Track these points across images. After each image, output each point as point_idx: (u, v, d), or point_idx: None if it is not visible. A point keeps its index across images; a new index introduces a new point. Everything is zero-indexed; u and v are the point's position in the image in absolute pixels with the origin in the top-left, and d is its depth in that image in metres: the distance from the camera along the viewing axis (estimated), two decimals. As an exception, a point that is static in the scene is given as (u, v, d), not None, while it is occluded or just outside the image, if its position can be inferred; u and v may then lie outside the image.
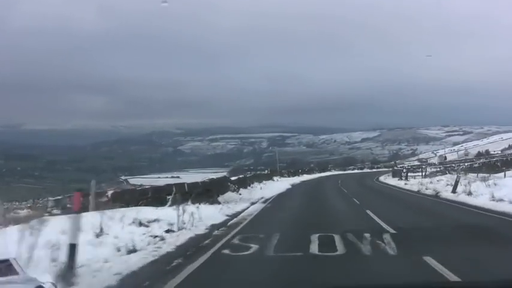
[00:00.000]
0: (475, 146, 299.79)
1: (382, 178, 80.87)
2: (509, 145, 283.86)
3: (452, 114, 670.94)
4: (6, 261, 5.08)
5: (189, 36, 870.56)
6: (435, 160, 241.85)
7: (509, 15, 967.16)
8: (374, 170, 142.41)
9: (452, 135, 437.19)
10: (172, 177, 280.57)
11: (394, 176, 77.75)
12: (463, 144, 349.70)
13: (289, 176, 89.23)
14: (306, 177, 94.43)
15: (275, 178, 75.62)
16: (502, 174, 50.45)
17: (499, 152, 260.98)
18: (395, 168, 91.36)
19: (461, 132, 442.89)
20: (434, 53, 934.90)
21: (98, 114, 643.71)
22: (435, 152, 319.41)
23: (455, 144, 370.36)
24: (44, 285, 4.54)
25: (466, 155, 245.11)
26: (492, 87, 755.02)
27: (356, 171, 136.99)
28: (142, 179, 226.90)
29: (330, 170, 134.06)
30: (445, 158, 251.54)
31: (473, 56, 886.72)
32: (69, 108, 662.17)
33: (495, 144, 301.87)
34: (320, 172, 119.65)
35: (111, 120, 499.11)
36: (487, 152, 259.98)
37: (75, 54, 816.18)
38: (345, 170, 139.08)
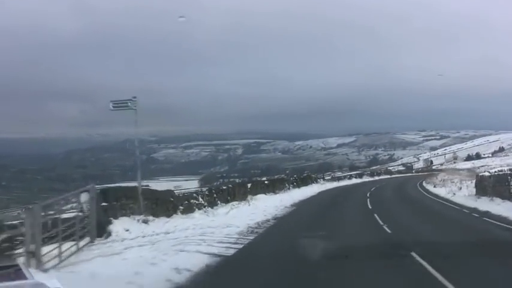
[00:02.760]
0: (459, 150, 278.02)
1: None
2: (499, 147, 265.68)
3: (429, 118, 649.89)
4: (16, 266, 4.93)
5: (164, 41, 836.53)
6: (420, 164, 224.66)
7: (492, 18, 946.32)
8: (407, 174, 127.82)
9: (430, 139, 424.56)
10: (142, 185, 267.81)
11: (479, 190, 37.69)
12: (447, 148, 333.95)
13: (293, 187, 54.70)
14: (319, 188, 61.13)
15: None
16: None
17: (490, 154, 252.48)
18: (481, 175, 40.65)
19: (438, 137, 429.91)
20: (413, 57, 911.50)
21: (72, 122, 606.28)
22: (417, 156, 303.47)
23: (432, 149, 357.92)
24: None
25: (455, 158, 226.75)
26: (468, 91, 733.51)
27: (385, 176, 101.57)
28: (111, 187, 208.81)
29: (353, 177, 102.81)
30: (431, 162, 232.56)
31: (451, 59, 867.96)
32: (42, 115, 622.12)
33: (481, 147, 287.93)
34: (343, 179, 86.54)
35: (86, 128, 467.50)
36: (478, 154, 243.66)
37: (47, 58, 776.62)
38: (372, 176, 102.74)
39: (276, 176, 64.66)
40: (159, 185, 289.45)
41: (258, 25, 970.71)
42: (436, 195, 43.86)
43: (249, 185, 37.02)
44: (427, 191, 49.47)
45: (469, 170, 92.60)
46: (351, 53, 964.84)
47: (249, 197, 33.49)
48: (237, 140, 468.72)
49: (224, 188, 35.15)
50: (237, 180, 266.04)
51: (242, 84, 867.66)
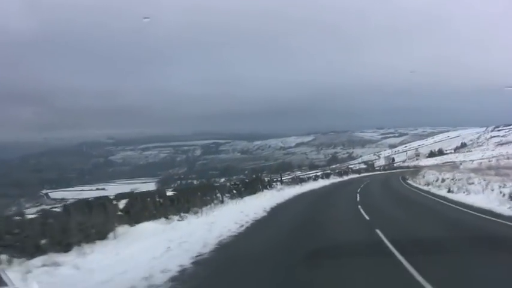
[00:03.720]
0: (420, 146, 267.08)
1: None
2: (461, 143, 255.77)
3: (387, 116, 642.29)
4: None
5: (119, 40, 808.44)
6: (381, 162, 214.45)
7: (449, 16, 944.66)
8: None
9: (388, 137, 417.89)
10: (97, 189, 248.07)
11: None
12: (407, 145, 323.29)
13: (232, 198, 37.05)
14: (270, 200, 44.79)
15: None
16: None
17: (452, 150, 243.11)
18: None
19: (396, 134, 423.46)
20: (371, 55, 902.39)
21: (27, 126, 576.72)
22: (378, 153, 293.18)
23: (391, 146, 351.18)
24: None
25: (418, 155, 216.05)
26: (425, 89, 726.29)
27: (354, 175, 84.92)
28: (65, 192, 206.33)
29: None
30: (393, 159, 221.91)
31: (408, 57, 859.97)
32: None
33: (443, 143, 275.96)
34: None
35: (42, 132, 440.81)
36: (440, 150, 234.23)
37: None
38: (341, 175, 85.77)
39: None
40: (116, 188, 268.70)
41: (216, 23, 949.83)
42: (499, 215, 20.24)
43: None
44: (459, 203, 26.06)
45: (452, 164, 77.40)
46: (310, 51, 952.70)
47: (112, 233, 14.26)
48: (195, 141, 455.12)
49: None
50: (194, 182, 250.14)
51: (200, 83, 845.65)
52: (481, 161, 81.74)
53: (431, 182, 42.95)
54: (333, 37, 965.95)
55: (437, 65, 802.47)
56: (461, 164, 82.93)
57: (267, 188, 35.11)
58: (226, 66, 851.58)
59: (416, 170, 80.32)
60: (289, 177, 66.46)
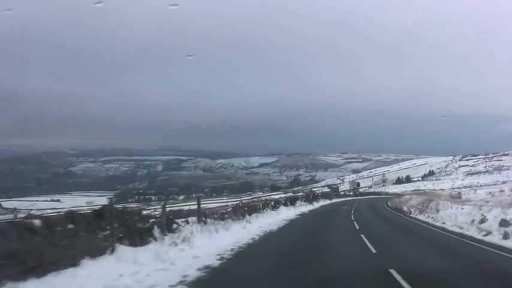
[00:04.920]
0: (386, 172, 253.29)
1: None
2: (429, 171, 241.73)
3: (351, 141, 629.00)
4: None
5: (85, 46, 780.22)
6: (346, 186, 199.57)
7: (423, 41, 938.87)
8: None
9: (352, 162, 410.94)
10: (52, 200, 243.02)
11: None
12: (372, 170, 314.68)
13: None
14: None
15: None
16: None
17: (420, 178, 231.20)
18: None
19: (360, 160, 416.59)
20: (336, 78, 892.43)
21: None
22: (342, 178, 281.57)
23: (354, 171, 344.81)
24: None
25: (384, 181, 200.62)
26: (390, 115, 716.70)
27: (326, 201, 64.66)
28: (19, 201, 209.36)
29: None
30: (358, 184, 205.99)
31: (374, 82, 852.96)
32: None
33: (409, 170, 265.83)
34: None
35: (3, 139, 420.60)
36: (408, 177, 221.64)
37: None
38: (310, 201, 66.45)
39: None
40: (72, 200, 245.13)
41: (184, 36, 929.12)
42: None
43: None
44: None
45: (456, 194, 59.18)
46: (277, 72, 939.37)
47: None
48: (158, 156, 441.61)
49: None
50: (153, 198, 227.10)
51: (167, 96, 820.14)
52: (488, 190, 63.50)
53: (472, 223, 24.23)
54: (300, 61, 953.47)
55: (402, 92, 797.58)
56: (459, 193, 64.24)
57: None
58: (193, 81, 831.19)
59: (398, 198, 68.36)
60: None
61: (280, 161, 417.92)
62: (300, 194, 79.69)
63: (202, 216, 17.14)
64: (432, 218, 30.66)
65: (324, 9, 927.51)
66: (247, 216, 23.23)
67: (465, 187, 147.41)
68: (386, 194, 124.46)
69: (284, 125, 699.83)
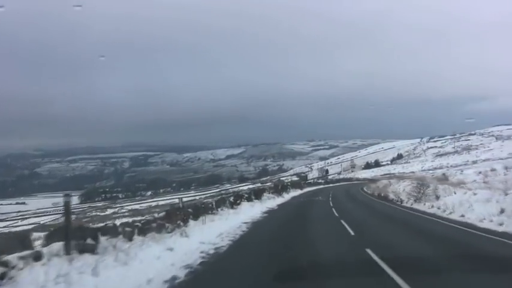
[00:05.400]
0: (354, 158, 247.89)
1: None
2: (398, 154, 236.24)
3: (317, 128, 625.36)
4: None
5: (48, 44, 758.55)
6: (314, 174, 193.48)
7: (388, 28, 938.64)
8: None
9: (318, 149, 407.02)
10: (17, 203, 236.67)
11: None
12: (340, 157, 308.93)
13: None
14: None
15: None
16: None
17: (389, 161, 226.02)
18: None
19: (327, 146, 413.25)
20: (301, 66, 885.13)
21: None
22: (310, 165, 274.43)
23: (321, 158, 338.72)
24: None
25: (353, 166, 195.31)
26: (356, 101, 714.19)
27: (297, 192, 57.21)
28: None
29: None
30: (327, 171, 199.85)
31: (340, 69, 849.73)
32: None
33: (377, 155, 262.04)
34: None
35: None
36: (377, 162, 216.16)
37: None
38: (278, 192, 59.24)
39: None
40: (37, 202, 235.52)
41: (148, 31, 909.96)
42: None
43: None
44: None
45: (441, 176, 52.17)
46: (240, 61, 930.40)
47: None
48: (124, 152, 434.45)
49: None
50: (120, 196, 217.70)
51: (131, 92, 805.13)
52: (477, 170, 56.54)
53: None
54: (265, 48, 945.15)
55: (367, 77, 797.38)
56: (444, 175, 57.08)
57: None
58: (157, 76, 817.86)
59: (374, 183, 63.43)
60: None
61: (247, 151, 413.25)
62: (268, 184, 72.36)
63: (78, 235, 9.00)
64: (437, 207, 23.27)
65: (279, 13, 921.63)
66: (190, 222, 15.46)
67: (435, 168, 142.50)
68: (357, 179, 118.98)
69: (250, 115, 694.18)
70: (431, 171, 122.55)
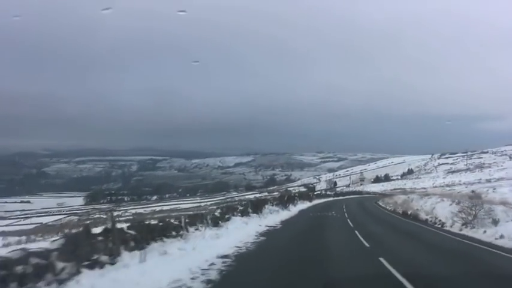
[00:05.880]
0: (364, 171, 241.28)
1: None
2: (408, 169, 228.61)
3: (327, 140, 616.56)
4: None
5: (59, 44, 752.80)
6: (322, 185, 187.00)
7: (403, 40, 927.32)
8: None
9: (327, 161, 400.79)
10: (22, 201, 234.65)
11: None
12: (348, 169, 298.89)
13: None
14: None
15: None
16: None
17: (399, 176, 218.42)
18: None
19: (335, 159, 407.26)
20: (311, 78, 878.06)
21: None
22: (318, 177, 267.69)
23: (330, 170, 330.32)
24: None
25: (362, 179, 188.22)
26: (366, 114, 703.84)
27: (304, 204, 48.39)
28: None
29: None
30: (335, 183, 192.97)
31: (350, 80, 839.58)
32: None
33: (387, 169, 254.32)
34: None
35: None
36: (387, 176, 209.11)
37: None
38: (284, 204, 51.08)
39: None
40: (42, 201, 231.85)
41: (159, 35, 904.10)
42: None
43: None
44: None
45: (471, 193, 44.31)
46: (253, 69, 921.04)
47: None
48: (132, 156, 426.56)
49: None
50: (125, 199, 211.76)
51: (142, 96, 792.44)
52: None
53: None
54: (278, 55, 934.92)
55: (378, 92, 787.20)
56: (473, 192, 49.26)
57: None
58: (169, 80, 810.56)
59: (389, 197, 58.99)
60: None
61: (255, 160, 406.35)
62: (274, 194, 65.44)
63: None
64: (504, 236, 15.97)
65: (297, 12, 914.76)
66: (123, 255, 8.26)
67: (447, 185, 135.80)
68: (368, 193, 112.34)
69: (260, 124, 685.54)
70: (448, 188, 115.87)
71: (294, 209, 35.93)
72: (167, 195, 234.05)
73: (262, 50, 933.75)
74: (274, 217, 26.30)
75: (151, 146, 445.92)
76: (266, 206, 29.40)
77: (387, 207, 44.59)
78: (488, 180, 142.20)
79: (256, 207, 26.71)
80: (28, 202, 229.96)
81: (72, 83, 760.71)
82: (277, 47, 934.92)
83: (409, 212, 32.89)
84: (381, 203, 52.37)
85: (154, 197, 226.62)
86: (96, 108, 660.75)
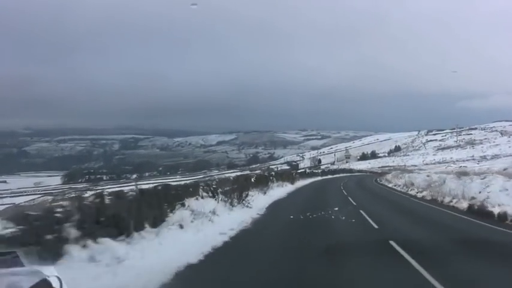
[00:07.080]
0: (348, 148, 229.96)
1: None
2: (395, 146, 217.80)
3: (310, 118, 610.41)
4: (13, 253, 4.32)
5: (41, 23, 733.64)
6: (306, 163, 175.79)
7: (386, 19, 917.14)
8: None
9: (310, 139, 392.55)
10: None
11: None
12: (333, 146, 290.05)
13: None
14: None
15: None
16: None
17: (386, 153, 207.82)
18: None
19: (319, 137, 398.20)
20: (296, 55, 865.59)
21: None
22: (302, 154, 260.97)
23: (313, 148, 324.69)
24: (49, 279, 3.80)
25: (348, 157, 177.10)
26: (350, 93, 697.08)
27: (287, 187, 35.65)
28: None
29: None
30: (319, 161, 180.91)
31: (333, 59, 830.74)
32: None
33: (373, 146, 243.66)
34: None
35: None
36: (373, 153, 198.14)
37: None
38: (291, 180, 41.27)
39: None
40: (19, 180, 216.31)
41: (142, 14, 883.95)
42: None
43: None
44: None
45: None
46: (235, 47, 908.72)
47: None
48: (114, 135, 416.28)
49: None
50: (104, 178, 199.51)
51: (124, 75, 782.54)
52: None
53: None
54: (260, 34, 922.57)
55: (360, 70, 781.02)
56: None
57: None
58: (150, 60, 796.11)
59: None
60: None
61: (238, 138, 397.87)
62: (257, 172, 53.06)
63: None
64: None
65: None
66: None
67: (439, 162, 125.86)
68: (360, 171, 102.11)
69: (242, 102, 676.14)
70: (443, 165, 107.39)
71: (264, 201, 21.61)
72: (147, 174, 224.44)
73: (245, 30, 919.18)
74: (225, 221, 12.32)
75: (134, 125, 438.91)
76: (216, 196, 15.22)
77: (402, 190, 31.36)
78: (483, 157, 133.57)
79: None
80: (4, 182, 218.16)
81: (54, 63, 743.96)
82: (260, 27, 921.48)
83: (439, 200, 19.86)
84: (379, 180, 46.93)
85: (134, 176, 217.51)
86: (78, 87, 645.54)
